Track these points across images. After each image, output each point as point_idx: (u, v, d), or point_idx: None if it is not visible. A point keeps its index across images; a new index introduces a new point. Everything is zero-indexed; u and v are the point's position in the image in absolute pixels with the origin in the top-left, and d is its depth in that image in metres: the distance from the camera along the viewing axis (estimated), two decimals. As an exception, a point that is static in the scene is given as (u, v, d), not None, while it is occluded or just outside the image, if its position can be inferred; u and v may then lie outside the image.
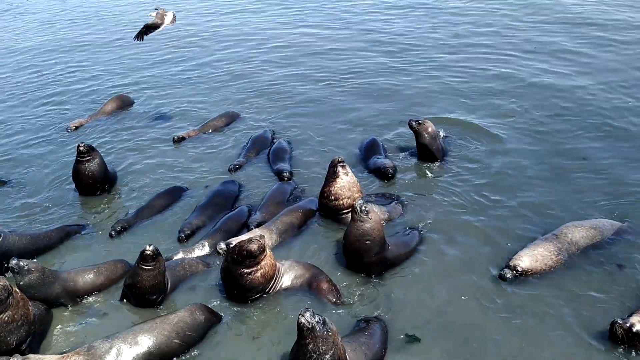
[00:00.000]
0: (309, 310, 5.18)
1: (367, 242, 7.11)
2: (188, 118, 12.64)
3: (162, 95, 14.00)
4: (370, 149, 10.26)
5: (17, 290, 6.02)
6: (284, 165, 9.98)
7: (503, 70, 13.60)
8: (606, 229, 7.63)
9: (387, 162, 9.61)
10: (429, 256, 7.57)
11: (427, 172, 9.66)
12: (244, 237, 7.46)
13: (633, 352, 5.80)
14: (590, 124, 10.75)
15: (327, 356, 5.08)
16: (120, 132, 12.03)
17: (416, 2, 19.98)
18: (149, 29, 10.53)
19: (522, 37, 15.69)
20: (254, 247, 6.55)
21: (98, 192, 9.51)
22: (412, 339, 6.20)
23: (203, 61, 16.22)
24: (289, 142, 10.99)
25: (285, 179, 9.59)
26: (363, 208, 7.05)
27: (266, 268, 6.72)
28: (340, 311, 6.64)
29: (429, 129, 9.71)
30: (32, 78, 16.06)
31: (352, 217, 7.18)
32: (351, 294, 6.99)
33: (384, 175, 9.40)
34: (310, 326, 5.09)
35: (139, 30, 10.61)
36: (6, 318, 5.77)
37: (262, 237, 6.77)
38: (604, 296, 6.63)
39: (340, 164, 8.23)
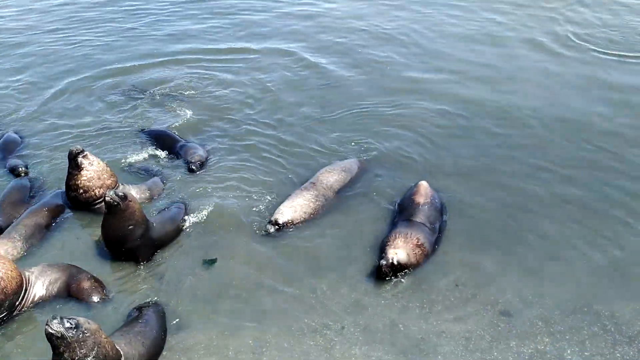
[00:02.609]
0: (55, 318, 4.76)
1: (130, 227, 6.76)
2: None
3: None
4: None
5: None
6: (17, 160, 8.80)
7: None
8: (353, 169, 8.56)
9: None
10: (197, 228, 7.53)
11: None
12: None
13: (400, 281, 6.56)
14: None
15: (90, 358, 4.78)
16: None
17: None
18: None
19: None
20: None
21: None
22: (210, 262, 6.88)
23: None
24: (16, 133, 9.76)
25: (22, 174, 8.48)
26: (118, 194, 6.62)
27: (2, 283, 5.89)
28: (110, 306, 6.26)
29: None
30: None
31: (107, 207, 6.70)
32: (121, 284, 6.64)
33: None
34: (59, 334, 4.70)
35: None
36: None
37: None
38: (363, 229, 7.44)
39: (81, 154, 7.54)
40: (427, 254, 6.89)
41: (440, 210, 7.61)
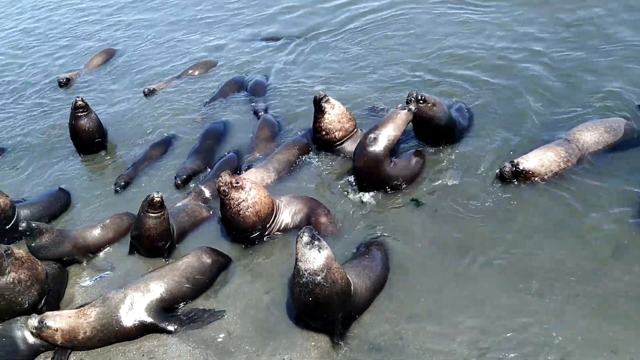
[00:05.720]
0: (309, 230, 5.27)
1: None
2: (165, 67, 12.73)
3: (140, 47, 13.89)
4: None
5: (21, 252, 6.20)
6: (261, 102, 10.04)
7: None
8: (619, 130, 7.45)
9: None
10: (433, 174, 7.60)
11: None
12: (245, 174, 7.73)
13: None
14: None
15: (319, 277, 5.20)
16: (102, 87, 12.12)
17: None
18: None
19: None
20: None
21: (95, 149, 9.60)
22: (417, 204, 7.05)
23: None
24: (266, 77, 11.07)
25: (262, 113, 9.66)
26: (373, 136, 7.16)
27: (257, 207, 6.77)
28: (341, 241, 6.74)
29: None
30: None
31: (362, 140, 7.28)
32: (352, 221, 7.10)
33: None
34: (306, 242, 5.20)
35: None
36: (11, 280, 5.93)
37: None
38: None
39: (324, 99, 8.15)
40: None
41: None
